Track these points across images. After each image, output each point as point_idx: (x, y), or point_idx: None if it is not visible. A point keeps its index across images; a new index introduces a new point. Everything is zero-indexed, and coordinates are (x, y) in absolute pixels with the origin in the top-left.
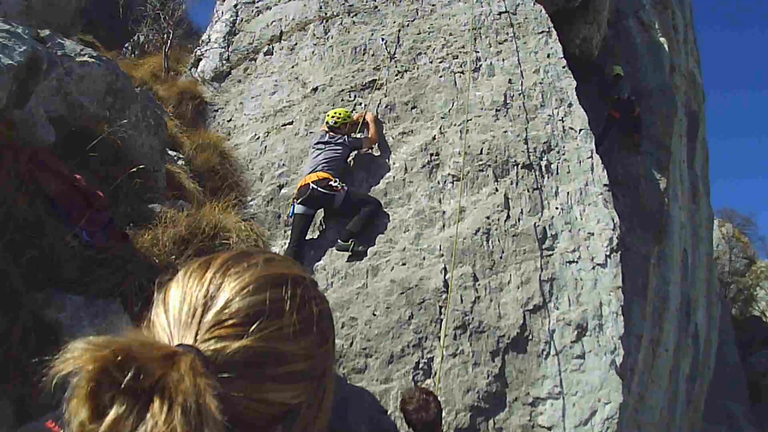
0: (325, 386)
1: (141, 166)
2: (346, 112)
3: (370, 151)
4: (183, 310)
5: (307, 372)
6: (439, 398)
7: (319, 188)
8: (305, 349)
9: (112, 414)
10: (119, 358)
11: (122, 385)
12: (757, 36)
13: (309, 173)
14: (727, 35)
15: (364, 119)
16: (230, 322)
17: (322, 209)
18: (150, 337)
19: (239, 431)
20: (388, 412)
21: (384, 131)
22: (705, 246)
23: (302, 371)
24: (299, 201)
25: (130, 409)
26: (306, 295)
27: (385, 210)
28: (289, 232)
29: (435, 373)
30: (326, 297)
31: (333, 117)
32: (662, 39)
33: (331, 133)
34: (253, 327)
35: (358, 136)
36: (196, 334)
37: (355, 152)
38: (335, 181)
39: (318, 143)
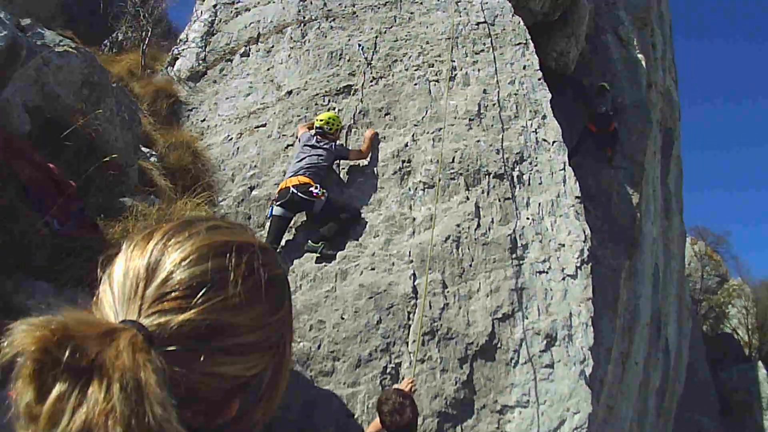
0: (282, 355)
1: (114, 156)
2: (336, 116)
3: (356, 164)
4: (126, 285)
5: (259, 342)
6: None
7: (299, 193)
8: (254, 319)
9: (54, 393)
10: (57, 337)
11: (62, 365)
12: (732, 47)
13: (291, 176)
14: (702, 46)
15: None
16: (173, 295)
17: (302, 213)
18: (90, 315)
19: (196, 407)
20: (355, 416)
21: (357, 137)
22: (677, 262)
23: (253, 342)
24: (278, 203)
25: (72, 388)
26: (253, 262)
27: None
28: (260, 233)
29: (402, 378)
30: (295, 299)
31: (326, 122)
32: (640, 55)
33: (319, 137)
34: (197, 299)
35: (339, 144)
36: (140, 309)
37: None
38: (316, 188)
39: (305, 145)
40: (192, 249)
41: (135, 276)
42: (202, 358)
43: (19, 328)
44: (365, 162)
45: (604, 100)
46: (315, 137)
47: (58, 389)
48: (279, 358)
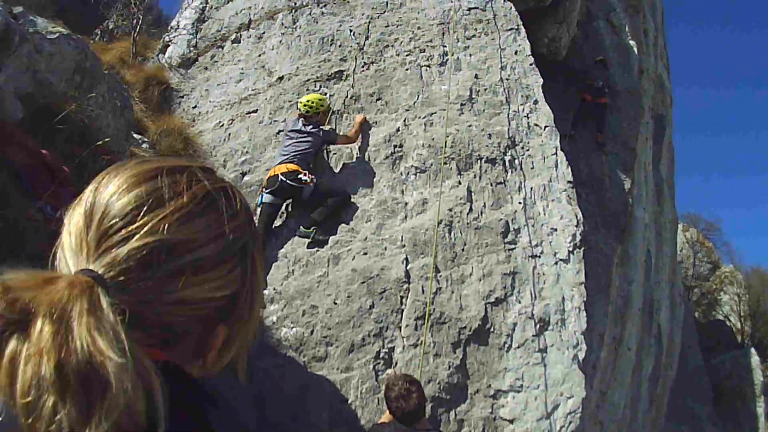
0: (252, 271)
1: (106, 140)
2: (320, 97)
3: (348, 149)
4: (72, 241)
5: (217, 255)
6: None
7: (287, 180)
8: (203, 231)
9: (7, 353)
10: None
11: (9, 319)
12: (725, 33)
13: (279, 163)
14: (694, 32)
15: (333, 112)
16: (113, 229)
17: (291, 199)
18: (36, 271)
19: (181, 348)
20: (349, 401)
21: (348, 122)
22: (669, 248)
23: (210, 255)
24: (268, 191)
25: (21, 343)
26: (190, 179)
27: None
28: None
29: (396, 363)
30: (287, 284)
31: (305, 105)
32: (632, 42)
33: (304, 121)
34: (135, 225)
35: (327, 128)
36: (87, 256)
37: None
38: (305, 174)
39: (291, 131)
40: (121, 181)
41: (77, 228)
42: (163, 284)
43: None
44: (357, 147)
45: (600, 74)
46: (300, 121)
47: (10, 348)
48: (248, 273)
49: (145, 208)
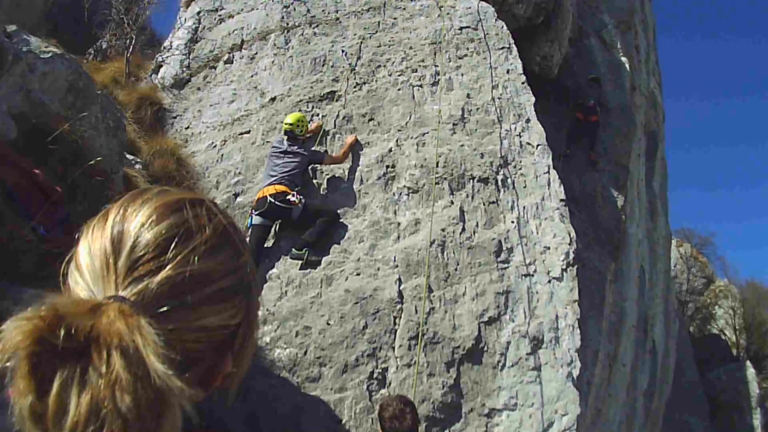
0: (254, 300)
1: (98, 159)
2: (301, 116)
3: (340, 169)
4: (96, 265)
5: (234, 287)
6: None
7: (276, 202)
8: (225, 263)
9: (56, 384)
10: (49, 322)
11: (60, 348)
12: (719, 45)
13: (267, 185)
14: (686, 44)
15: (324, 132)
16: (144, 258)
17: (280, 220)
18: (76, 297)
19: (193, 372)
20: (343, 422)
21: (340, 143)
22: (662, 263)
23: (228, 287)
24: (257, 212)
25: (73, 372)
26: (209, 212)
27: (341, 221)
28: None
29: (389, 383)
30: (281, 305)
31: (296, 125)
32: (624, 59)
33: (289, 142)
34: (168, 255)
35: (319, 149)
36: (116, 284)
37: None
38: (293, 195)
39: (277, 151)
40: (150, 211)
41: (102, 254)
42: (188, 312)
43: (9, 326)
44: (349, 167)
45: (594, 92)
46: (285, 141)
47: (59, 378)
48: (251, 302)
49: (176, 240)
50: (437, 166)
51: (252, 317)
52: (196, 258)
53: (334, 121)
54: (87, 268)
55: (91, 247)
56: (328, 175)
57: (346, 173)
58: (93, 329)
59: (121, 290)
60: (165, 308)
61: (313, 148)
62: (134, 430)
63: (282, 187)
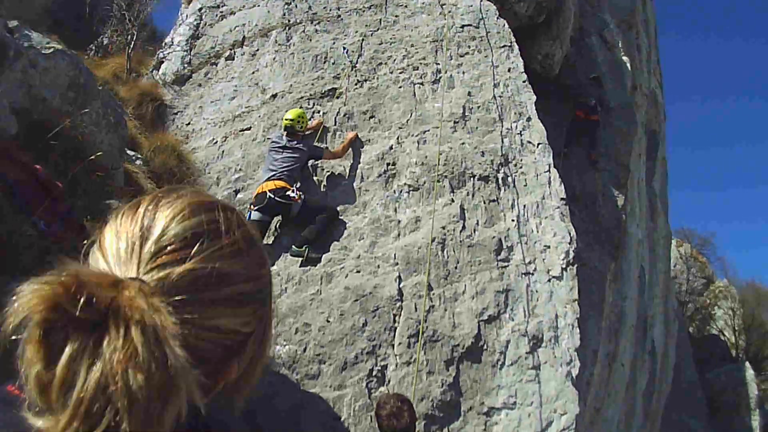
0: (269, 314)
1: (99, 153)
2: (301, 112)
3: (340, 166)
4: (120, 248)
5: (252, 294)
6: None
7: (276, 197)
8: (247, 269)
9: (66, 353)
10: (69, 289)
11: (76, 317)
12: (720, 45)
13: (266, 180)
14: (687, 43)
15: (325, 129)
16: (170, 248)
17: (279, 216)
18: (98, 269)
19: (200, 369)
20: (342, 419)
21: (341, 140)
22: (662, 263)
23: (247, 293)
24: (256, 208)
25: (85, 344)
26: (239, 219)
27: (341, 218)
28: None
29: (389, 381)
30: (280, 302)
31: (296, 120)
32: (625, 58)
33: (289, 137)
34: (194, 249)
35: (320, 144)
36: (138, 267)
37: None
38: (292, 191)
39: (276, 147)
40: (183, 206)
41: (129, 237)
42: (204, 308)
43: (27, 289)
44: (350, 164)
45: (595, 91)
46: (285, 136)
47: (70, 348)
48: (268, 314)
49: (204, 235)
50: (438, 163)
51: (265, 330)
52: (220, 257)
53: (335, 118)
54: (111, 249)
55: (118, 231)
56: (328, 172)
57: (347, 170)
58: (113, 302)
59: (143, 274)
60: (181, 299)
61: (314, 144)
62: (138, 412)
63: (282, 183)
